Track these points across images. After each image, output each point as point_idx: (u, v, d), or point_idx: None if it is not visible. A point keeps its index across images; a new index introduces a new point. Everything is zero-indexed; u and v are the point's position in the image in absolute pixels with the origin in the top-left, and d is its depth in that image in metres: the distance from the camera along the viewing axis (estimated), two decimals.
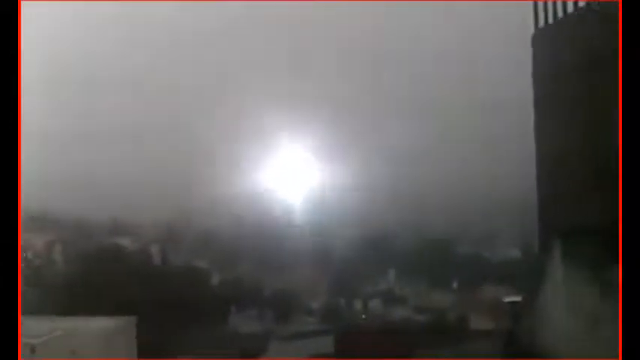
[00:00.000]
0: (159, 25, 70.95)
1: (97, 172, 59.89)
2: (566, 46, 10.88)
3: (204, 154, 63.64)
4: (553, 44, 11.30)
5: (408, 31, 73.03)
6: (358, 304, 52.95)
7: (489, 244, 60.47)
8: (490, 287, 48.92)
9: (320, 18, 71.96)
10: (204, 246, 58.52)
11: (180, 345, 34.09)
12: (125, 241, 55.16)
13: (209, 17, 71.61)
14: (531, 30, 11.69)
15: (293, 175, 61.54)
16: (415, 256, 56.17)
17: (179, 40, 73.85)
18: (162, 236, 59.09)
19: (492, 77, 59.40)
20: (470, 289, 50.96)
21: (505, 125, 48.43)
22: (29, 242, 48.42)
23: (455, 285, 54.46)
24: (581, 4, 10.58)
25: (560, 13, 11.06)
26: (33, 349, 25.25)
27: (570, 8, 10.81)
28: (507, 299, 36.85)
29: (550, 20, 11.30)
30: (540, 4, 11.42)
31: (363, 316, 50.71)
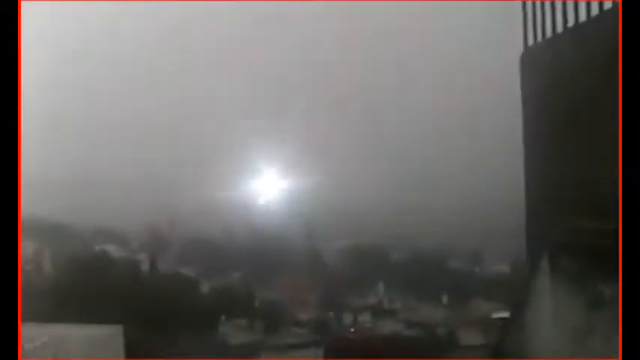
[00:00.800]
0: (140, 19, 70.12)
1: (81, 176, 59.15)
2: (556, 66, 11.02)
3: (194, 160, 63.48)
4: (542, 64, 11.43)
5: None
6: (348, 318, 52.71)
7: (479, 259, 60.59)
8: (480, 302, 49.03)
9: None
10: (194, 254, 58.16)
11: (169, 354, 33.74)
12: (112, 248, 54.68)
13: (200, 16, 71.16)
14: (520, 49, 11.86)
15: (285, 186, 61.43)
16: (406, 270, 56.17)
17: (168, 43, 73.54)
18: (150, 243, 58.64)
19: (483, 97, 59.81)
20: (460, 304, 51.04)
21: (495, 140, 48.79)
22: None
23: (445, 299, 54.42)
24: (571, 24, 10.74)
25: (549, 33, 11.20)
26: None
27: (560, 28, 10.96)
28: (495, 315, 36.85)
29: (539, 39, 11.45)
30: (530, 23, 11.56)
31: (352, 330, 50.50)
